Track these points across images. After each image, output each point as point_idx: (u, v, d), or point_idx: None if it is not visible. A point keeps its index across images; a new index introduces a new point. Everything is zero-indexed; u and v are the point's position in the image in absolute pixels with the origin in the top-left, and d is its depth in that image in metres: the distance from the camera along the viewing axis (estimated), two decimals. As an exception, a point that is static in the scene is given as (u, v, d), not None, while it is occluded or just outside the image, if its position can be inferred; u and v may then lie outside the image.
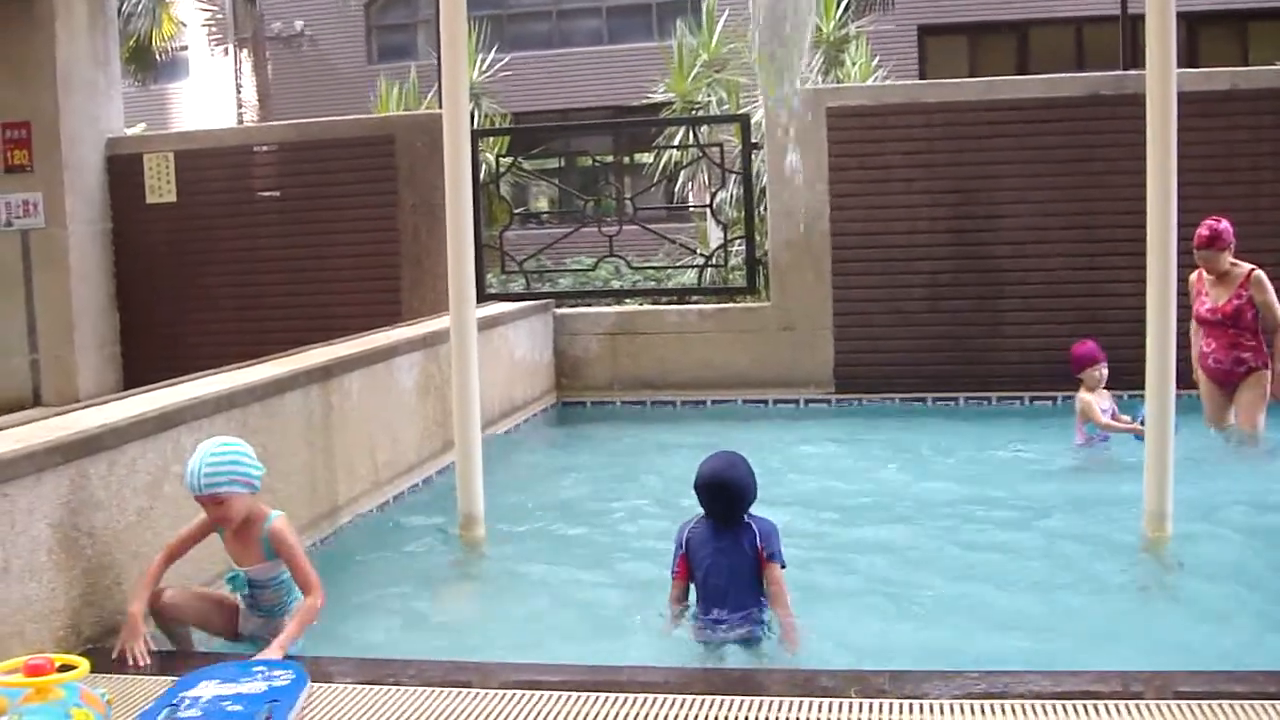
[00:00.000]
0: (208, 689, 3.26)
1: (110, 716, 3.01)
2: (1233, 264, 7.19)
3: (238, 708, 3.14)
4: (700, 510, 4.27)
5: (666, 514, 6.29)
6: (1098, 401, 7.09)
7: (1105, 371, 7.09)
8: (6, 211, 9.83)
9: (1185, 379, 6.07)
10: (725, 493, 4.18)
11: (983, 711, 3.05)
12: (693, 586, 4.24)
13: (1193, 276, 7.32)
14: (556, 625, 4.67)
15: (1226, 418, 7.32)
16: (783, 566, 4.16)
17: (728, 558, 4.12)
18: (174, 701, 3.20)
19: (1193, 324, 7.35)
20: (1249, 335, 7.17)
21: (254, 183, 10.11)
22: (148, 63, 24.02)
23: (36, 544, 3.82)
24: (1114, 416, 7.07)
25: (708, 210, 12.43)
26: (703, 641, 4.09)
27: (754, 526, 4.16)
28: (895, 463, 7.33)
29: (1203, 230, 7.15)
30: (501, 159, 11.58)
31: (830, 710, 3.11)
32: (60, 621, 3.89)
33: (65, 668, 2.93)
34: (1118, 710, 3.02)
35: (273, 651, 3.72)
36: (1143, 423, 5.42)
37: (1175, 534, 5.17)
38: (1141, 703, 3.05)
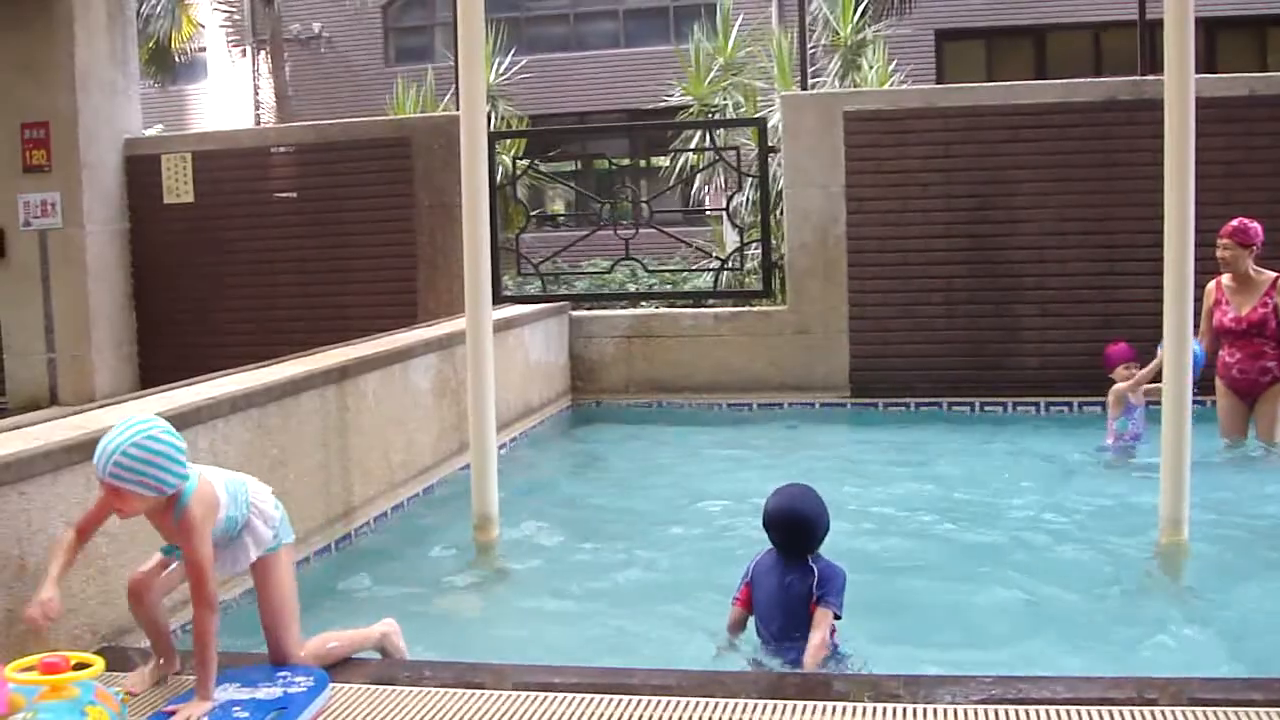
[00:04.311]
0: (225, 692, 3.27)
1: (125, 715, 3.02)
2: (1255, 271, 7.12)
3: (245, 714, 3.15)
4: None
5: (680, 517, 6.30)
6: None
7: (1135, 371, 7.12)
8: (25, 211, 9.88)
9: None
10: (792, 527, 4.07)
11: (997, 717, 3.04)
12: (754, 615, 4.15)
13: (1209, 286, 7.23)
14: (570, 627, 4.67)
15: (1245, 430, 7.22)
16: (837, 616, 4.00)
17: (784, 594, 4.02)
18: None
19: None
20: (1273, 344, 7.06)
21: (271, 184, 10.14)
22: (166, 64, 24.22)
23: (53, 543, 3.83)
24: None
25: (724, 214, 12.43)
26: (753, 663, 4.02)
27: (815, 569, 4.03)
28: (909, 467, 7.31)
29: (1233, 221, 7.09)
30: (518, 161, 11.60)
31: (844, 715, 3.10)
32: (76, 620, 3.91)
33: (80, 665, 2.94)
34: (1133, 716, 3.01)
35: (195, 706, 3.19)
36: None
37: (1191, 540, 5.14)
38: (1157, 709, 3.04)
